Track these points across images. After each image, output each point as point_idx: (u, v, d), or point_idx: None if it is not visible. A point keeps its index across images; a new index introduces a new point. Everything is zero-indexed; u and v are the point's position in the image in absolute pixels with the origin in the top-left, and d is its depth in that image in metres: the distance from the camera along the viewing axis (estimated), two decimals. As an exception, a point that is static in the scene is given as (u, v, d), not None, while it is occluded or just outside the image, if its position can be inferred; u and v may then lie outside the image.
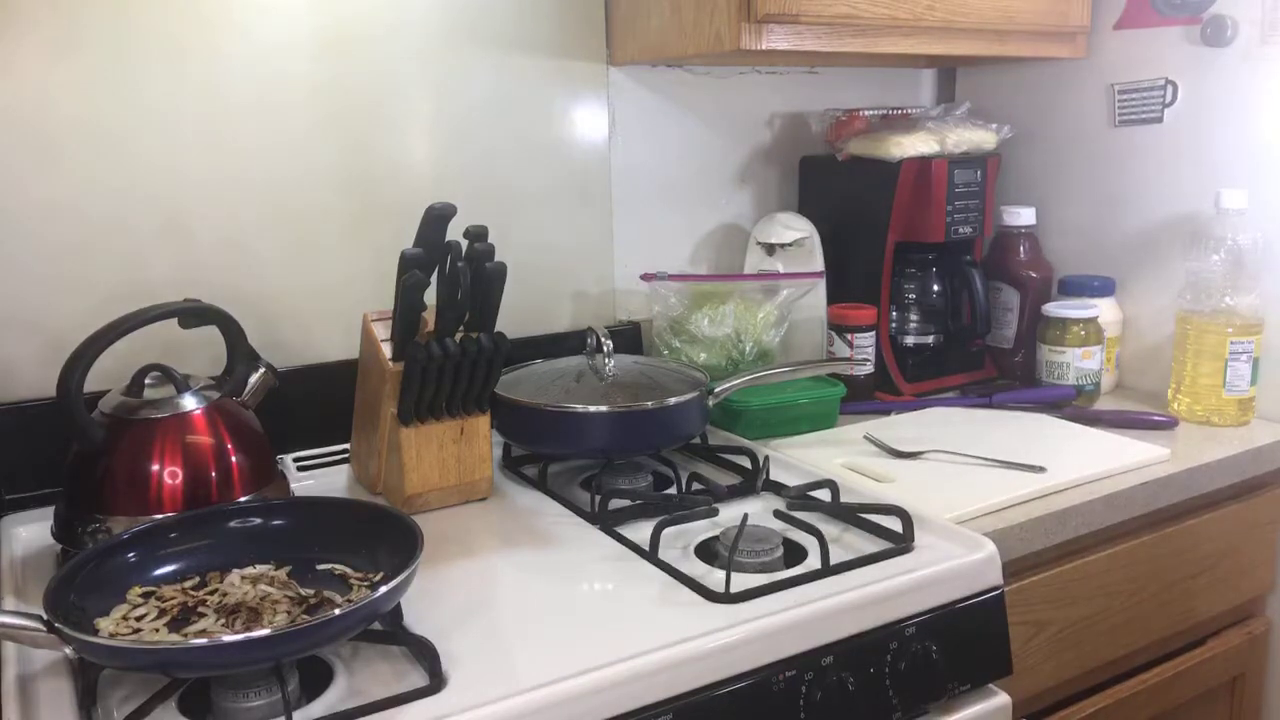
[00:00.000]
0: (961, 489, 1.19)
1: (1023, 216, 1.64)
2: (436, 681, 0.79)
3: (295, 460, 1.29)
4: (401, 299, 1.09)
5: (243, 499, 1.04)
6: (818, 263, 1.59)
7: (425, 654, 0.82)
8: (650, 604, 0.94)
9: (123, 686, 0.81)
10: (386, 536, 0.91)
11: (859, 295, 1.58)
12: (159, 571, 0.91)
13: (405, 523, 0.91)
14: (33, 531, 1.10)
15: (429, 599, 0.93)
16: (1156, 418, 1.42)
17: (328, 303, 1.35)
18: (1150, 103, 1.53)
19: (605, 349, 1.28)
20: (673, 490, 1.20)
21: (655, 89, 1.59)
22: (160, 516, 0.99)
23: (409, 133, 1.39)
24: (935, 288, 1.65)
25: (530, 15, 1.45)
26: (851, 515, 1.10)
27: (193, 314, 1.09)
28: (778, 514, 1.10)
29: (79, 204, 1.20)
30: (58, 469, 1.05)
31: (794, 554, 1.03)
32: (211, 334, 1.11)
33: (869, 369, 1.55)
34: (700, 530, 1.08)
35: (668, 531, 1.03)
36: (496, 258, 1.09)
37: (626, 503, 1.13)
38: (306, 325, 1.35)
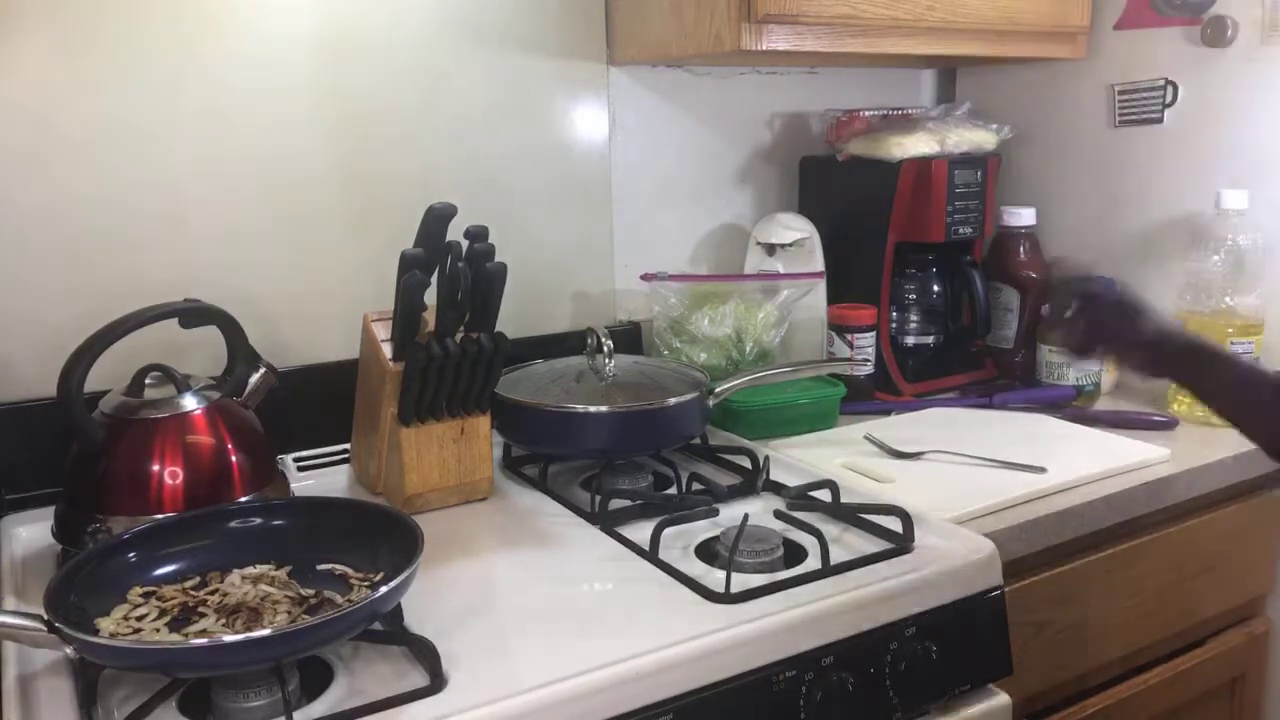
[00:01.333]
0: (961, 489, 1.19)
1: (1023, 216, 1.64)
2: (437, 681, 0.79)
3: (295, 460, 1.29)
4: (402, 299, 1.09)
5: (243, 499, 1.04)
6: (818, 263, 1.59)
7: (425, 654, 0.82)
8: (650, 604, 0.94)
9: (123, 686, 0.81)
10: (387, 536, 0.91)
11: (859, 295, 1.58)
12: (159, 571, 0.91)
13: (405, 523, 0.91)
14: (33, 531, 1.10)
15: (429, 599, 0.93)
16: (1156, 418, 1.42)
17: (328, 303, 1.35)
18: (1150, 103, 1.53)
19: (605, 349, 1.28)
20: (673, 490, 1.20)
21: (655, 89, 1.59)
22: (160, 516, 0.99)
23: (409, 133, 1.39)
24: (935, 288, 1.65)
25: (530, 15, 1.45)
26: (851, 515, 1.09)
27: (193, 314, 1.09)
28: (778, 514, 1.10)
29: (79, 204, 1.20)
30: (58, 469, 1.05)
31: (794, 554, 1.03)
32: (211, 334, 1.11)
33: (869, 369, 1.55)
34: (700, 530, 1.08)
35: (668, 531, 1.03)
36: (497, 258, 1.09)
37: (627, 503, 1.13)
38: (306, 325, 1.35)
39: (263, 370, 1.13)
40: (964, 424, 1.44)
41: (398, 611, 0.87)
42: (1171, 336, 1.06)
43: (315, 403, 1.30)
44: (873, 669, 0.93)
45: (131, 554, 0.91)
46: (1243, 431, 1.02)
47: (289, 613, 0.85)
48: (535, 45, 1.46)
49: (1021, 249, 1.66)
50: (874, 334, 1.55)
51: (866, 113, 1.66)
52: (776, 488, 1.19)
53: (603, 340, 1.28)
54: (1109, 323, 1.08)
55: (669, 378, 1.30)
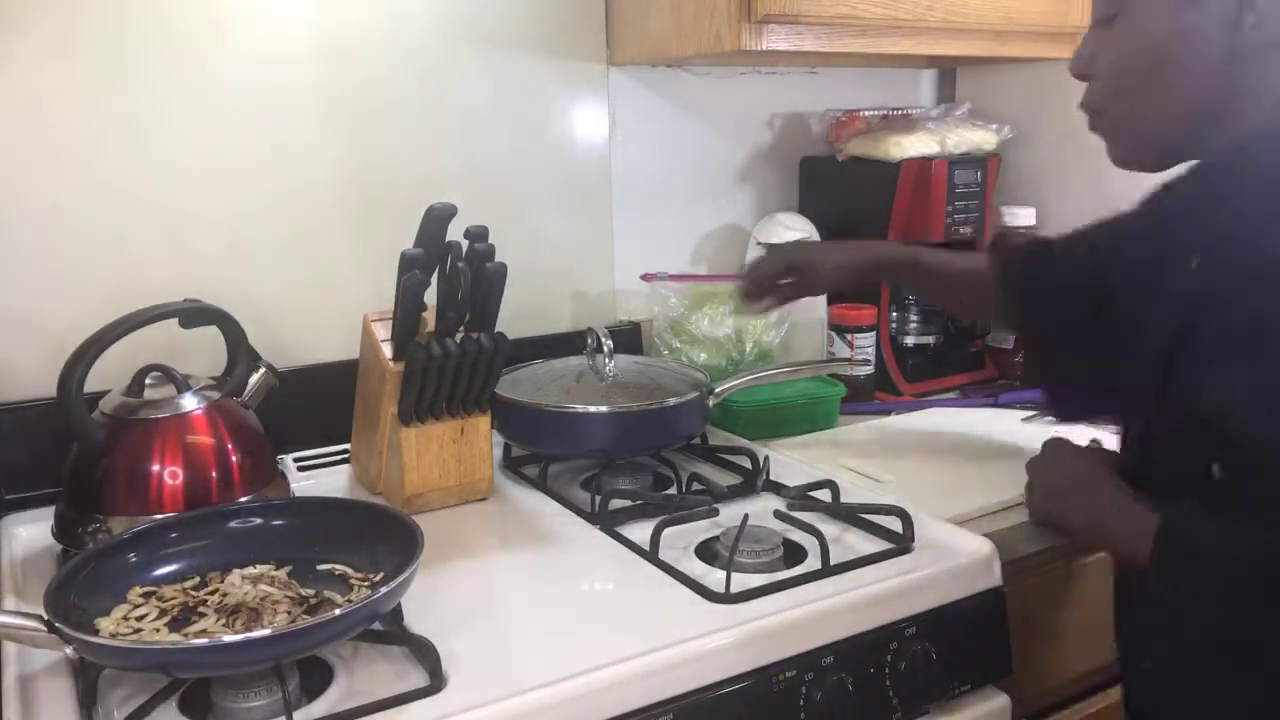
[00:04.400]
0: (961, 489, 1.19)
1: (1022, 216, 1.64)
2: (437, 681, 0.79)
3: (295, 460, 1.29)
4: (402, 299, 1.09)
5: (243, 499, 1.04)
6: (818, 263, 1.59)
7: (425, 654, 0.82)
8: (650, 604, 0.94)
9: (123, 686, 0.81)
10: (386, 536, 0.91)
11: (859, 295, 1.58)
12: (159, 571, 0.91)
13: (405, 523, 0.91)
14: (33, 531, 1.10)
15: (429, 599, 0.93)
16: (1156, 418, 1.42)
17: (328, 303, 1.35)
18: (1150, 103, 1.53)
19: (605, 349, 1.28)
20: (673, 490, 1.20)
21: (655, 89, 1.59)
22: (160, 516, 0.99)
23: (409, 133, 1.39)
24: (935, 288, 1.65)
25: (530, 15, 1.45)
26: (851, 515, 1.09)
27: (193, 314, 1.09)
28: (778, 514, 1.10)
29: (79, 204, 1.20)
30: (58, 469, 1.04)
31: (794, 554, 1.03)
32: (211, 334, 1.11)
33: (869, 369, 1.55)
34: (700, 530, 1.08)
35: (668, 532, 1.03)
36: (496, 258, 1.09)
37: (627, 503, 1.13)
38: (306, 325, 1.35)
39: (263, 370, 1.13)
40: (964, 424, 1.44)
41: (398, 611, 0.87)
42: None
43: (315, 403, 1.30)
44: (873, 669, 0.93)
45: (131, 554, 0.91)
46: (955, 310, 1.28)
47: (289, 613, 0.84)
48: (535, 45, 1.46)
49: (1021, 249, 1.66)
50: (874, 334, 1.55)
51: (866, 113, 1.66)
52: (776, 488, 1.19)
53: (603, 340, 1.28)
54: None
55: (669, 378, 1.30)
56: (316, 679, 0.82)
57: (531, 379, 1.29)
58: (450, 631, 0.87)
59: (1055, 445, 1.11)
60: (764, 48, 1.27)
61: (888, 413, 1.50)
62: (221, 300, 1.13)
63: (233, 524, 0.96)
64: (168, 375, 1.07)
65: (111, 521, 1.00)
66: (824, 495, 1.14)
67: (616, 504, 1.12)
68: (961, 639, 0.98)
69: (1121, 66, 0.85)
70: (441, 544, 1.06)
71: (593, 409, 1.21)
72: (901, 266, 1.27)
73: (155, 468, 1.01)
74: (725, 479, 1.22)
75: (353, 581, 0.90)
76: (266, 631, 0.80)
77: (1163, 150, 0.88)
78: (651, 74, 1.58)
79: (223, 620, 0.84)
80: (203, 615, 0.85)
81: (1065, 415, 1.23)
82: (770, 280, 1.25)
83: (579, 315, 1.55)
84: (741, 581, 0.95)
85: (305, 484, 1.23)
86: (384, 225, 1.36)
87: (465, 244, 1.10)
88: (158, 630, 0.83)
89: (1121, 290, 0.99)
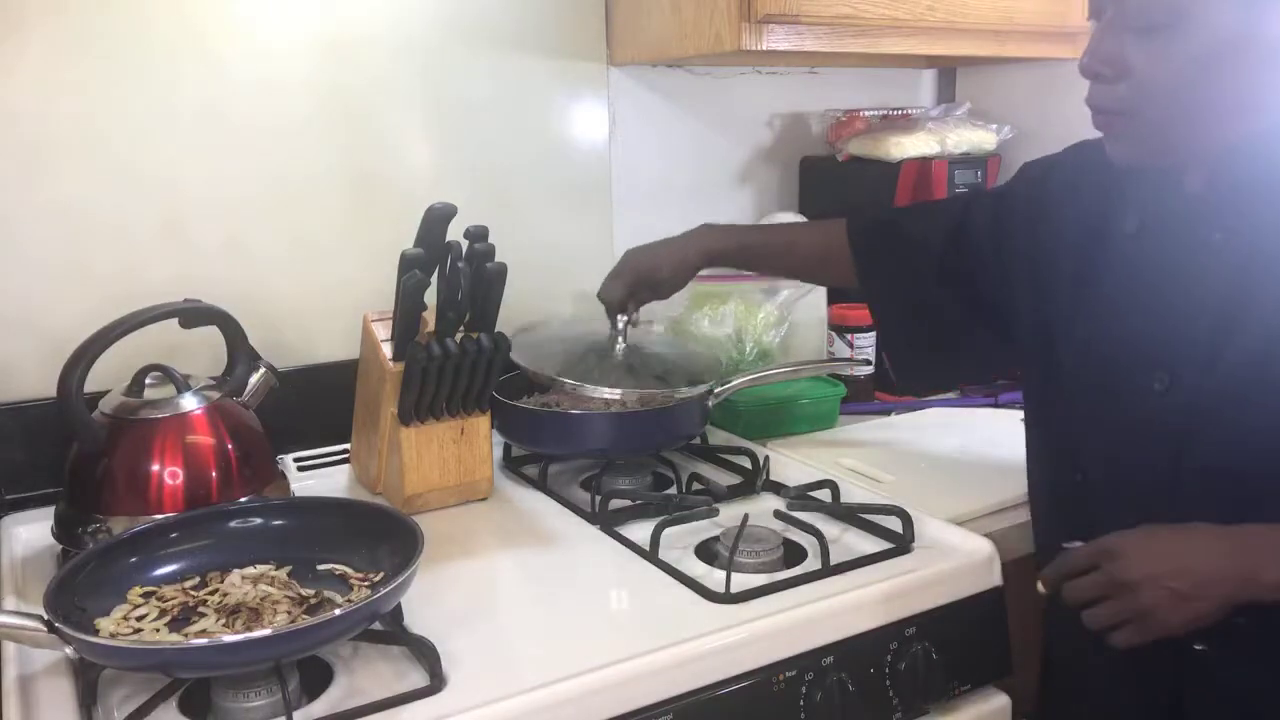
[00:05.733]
0: (961, 489, 1.19)
1: (1023, 216, 1.64)
2: (436, 681, 0.79)
3: (295, 460, 1.29)
4: (402, 299, 1.09)
5: (243, 499, 1.04)
6: (818, 263, 1.58)
7: (425, 654, 0.82)
8: (650, 604, 0.94)
9: (123, 686, 0.81)
10: (387, 536, 0.91)
11: (859, 295, 1.58)
12: (159, 571, 0.91)
13: (405, 523, 0.91)
14: (33, 531, 1.10)
15: (429, 599, 0.93)
16: (1156, 418, 1.42)
17: (328, 303, 1.35)
18: (1150, 103, 1.53)
19: (623, 324, 1.27)
20: (673, 490, 1.20)
21: (655, 89, 1.59)
22: (160, 516, 0.99)
23: (409, 133, 1.39)
24: (935, 288, 1.64)
25: (530, 15, 1.45)
26: (851, 515, 1.09)
27: (193, 314, 1.09)
28: (778, 514, 1.10)
29: (80, 204, 1.20)
30: (58, 469, 1.05)
31: (794, 554, 1.03)
32: (211, 334, 1.11)
33: (869, 369, 1.55)
34: (700, 530, 1.08)
35: (668, 531, 1.03)
36: (496, 258, 1.09)
37: (627, 503, 1.13)
38: (307, 325, 1.35)
39: (263, 370, 1.13)
40: (965, 424, 1.44)
41: (398, 611, 0.87)
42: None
43: (315, 403, 1.30)
44: (873, 669, 0.93)
45: (131, 554, 0.91)
46: None
47: (289, 613, 0.85)
48: (535, 45, 1.46)
49: (1021, 249, 1.65)
50: (874, 334, 1.55)
51: (866, 113, 1.66)
52: (776, 488, 1.19)
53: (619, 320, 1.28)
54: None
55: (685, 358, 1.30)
56: (316, 679, 0.82)
57: (550, 344, 1.28)
58: (450, 631, 0.87)
59: (1139, 534, 0.83)
60: (764, 48, 1.27)
61: (888, 413, 1.50)
62: (222, 300, 1.13)
63: (233, 524, 0.96)
64: (168, 375, 1.07)
65: (111, 521, 1.00)
66: (824, 495, 1.14)
67: (616, 504, 1.12)
68: (961, 639, 0.98)
69: (1170, 73, 0.81)
70: (441, 544, 1.06)
71: (593, 410, 1.21)
72: (731, 254, 1.29)
73: (155, 468, 1.01)
74: (725, 479, 1.22)
75: (353, 581, 0.90)
76: (266, 631, 0.80)
77: (1179, 151, 0.86)
78: (651, 74, 1.58)
79: (223, 620, 0.84)
80: (203, 615, 0.85)
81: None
82: (624, 302, 1.27)
83: (579, 315, 1.55)
84: (741, 581, 0.95)
85: (305, 484, 1.23)
86: (384, 225, 1.36)
87: (465, 244, 1.10)
88: (158, 630, 0.83)
89: (1021, 260, 1.06)
